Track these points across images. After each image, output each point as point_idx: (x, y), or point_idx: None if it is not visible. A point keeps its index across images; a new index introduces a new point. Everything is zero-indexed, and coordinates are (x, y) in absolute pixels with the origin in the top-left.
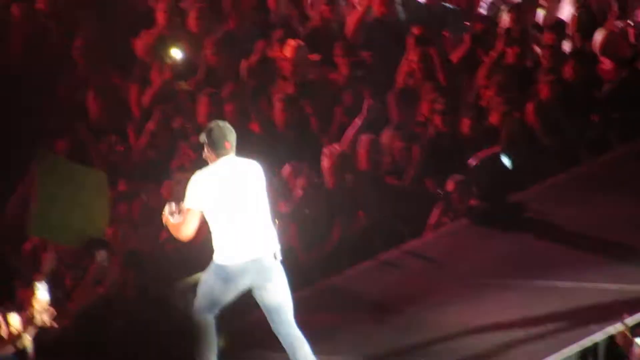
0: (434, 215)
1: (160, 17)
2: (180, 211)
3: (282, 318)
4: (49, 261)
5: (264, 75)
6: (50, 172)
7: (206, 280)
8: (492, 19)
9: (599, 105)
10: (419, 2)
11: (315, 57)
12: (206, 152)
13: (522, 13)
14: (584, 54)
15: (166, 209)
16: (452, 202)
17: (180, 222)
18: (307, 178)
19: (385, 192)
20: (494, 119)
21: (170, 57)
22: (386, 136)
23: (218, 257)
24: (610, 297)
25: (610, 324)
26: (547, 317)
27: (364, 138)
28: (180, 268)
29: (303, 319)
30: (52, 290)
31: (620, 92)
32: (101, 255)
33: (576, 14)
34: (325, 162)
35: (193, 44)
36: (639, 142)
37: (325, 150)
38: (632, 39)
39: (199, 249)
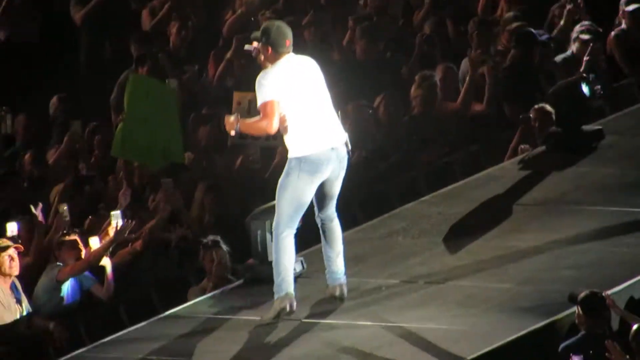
0: (514, 141)
1: None
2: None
3: (334, 202)
4: (125, 193)
5: (343, 4)
6: (139, 93)
7: (287, 182)
8: None
9: None
10: None
11: None
12: (263, 53)
13: None
14: None
15: (230, 118)
16: (533, 129)
17: (259, 119)
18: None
19: (465, 118)
20: (576, 48)
21: None
22: (465, 64)
23: (300, 149)
24: None
25: None
26: (623, 242)
27: (440, 66)
28: (256, 195)
29: (377, 245)
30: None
31: None
32: (167, 183)
33: None
34: (413, 89)
35: None
36: None
37: (417, 77)
38: None
39: (273, 178)
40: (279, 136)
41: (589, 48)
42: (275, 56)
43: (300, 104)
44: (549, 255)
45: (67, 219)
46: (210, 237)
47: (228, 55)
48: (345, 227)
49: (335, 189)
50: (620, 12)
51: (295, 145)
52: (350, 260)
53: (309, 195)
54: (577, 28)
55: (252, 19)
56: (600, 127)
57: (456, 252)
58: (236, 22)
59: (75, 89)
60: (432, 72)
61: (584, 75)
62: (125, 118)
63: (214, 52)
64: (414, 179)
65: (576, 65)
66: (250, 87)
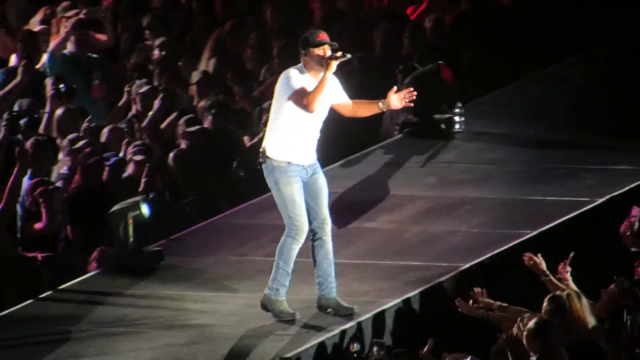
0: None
1: None
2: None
3: None
4: None
5: None
6: None
7: None
8: None
9: None
10: (64, 53)
11: None
12: None
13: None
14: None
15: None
16: None
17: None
18: None
19: None
20: (132, 169)
21: None
22: None
23: None
24: None
25: None
26: None
27: None
28: None
29: None
30: None
31: None
32: None
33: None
34: None
35: None
36: None
37: None
38: None
39: None
40: None
41: (145, 168)
42: None
43: None
44: None
45: None
46: None
47: None
48: None
49: None
50: (181, 132)
51: None
52: None
53: None
54: (130, 149)
55: None
56: (160, 248)
57: None
58: None
59: None
60: None
61: (145, 195)
62: None
63: None
64: None
65: (135, 186)
66: None
